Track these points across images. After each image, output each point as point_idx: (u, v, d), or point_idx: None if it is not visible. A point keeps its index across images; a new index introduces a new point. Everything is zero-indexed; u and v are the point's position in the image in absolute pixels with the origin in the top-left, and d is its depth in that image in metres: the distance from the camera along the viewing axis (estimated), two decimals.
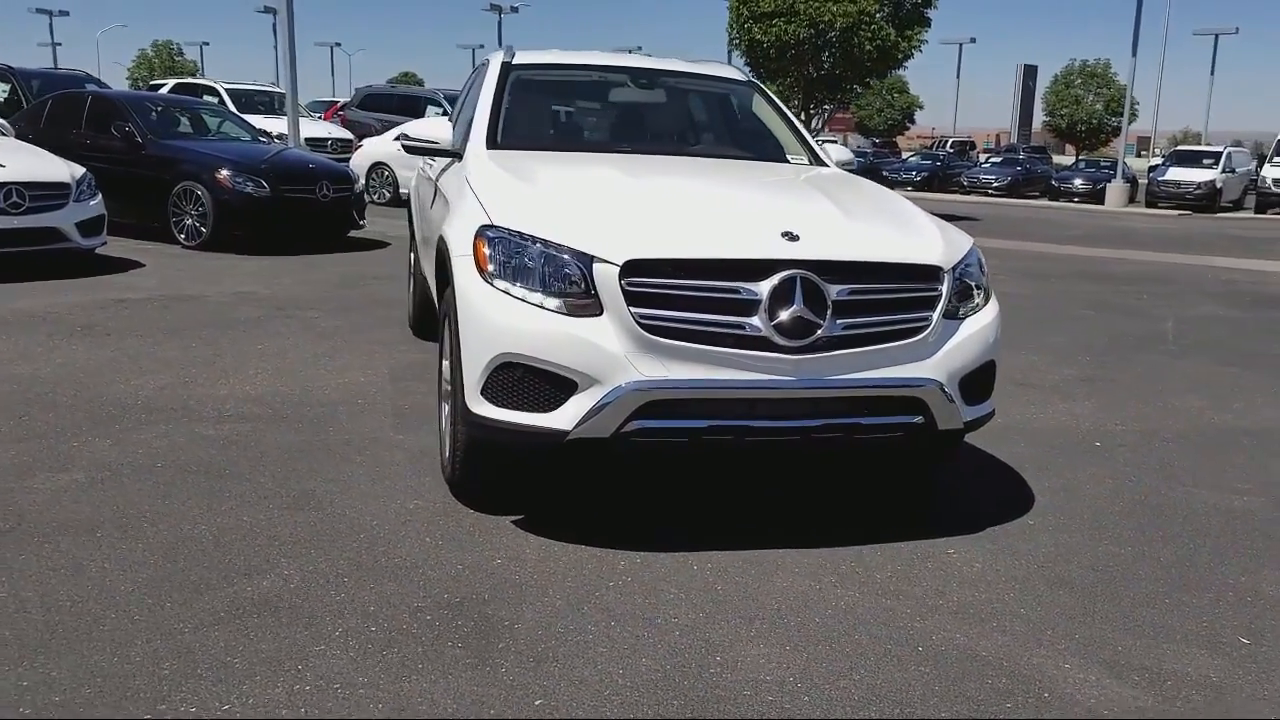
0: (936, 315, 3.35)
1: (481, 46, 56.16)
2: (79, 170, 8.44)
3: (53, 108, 11.31)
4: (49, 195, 8.06)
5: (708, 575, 3.17)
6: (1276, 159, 27.99)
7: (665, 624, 2.84)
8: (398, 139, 16.29)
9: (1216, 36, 41.03)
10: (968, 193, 32.21)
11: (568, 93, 5.01)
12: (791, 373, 3.15)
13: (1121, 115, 49.01)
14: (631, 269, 3.09)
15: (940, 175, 34.25)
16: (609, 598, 2.99)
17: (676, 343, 3.10)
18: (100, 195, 8.57)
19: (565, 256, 3.17)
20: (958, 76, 48.11)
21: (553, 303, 3.16)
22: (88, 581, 2.95)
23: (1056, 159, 43.69)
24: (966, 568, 3.33)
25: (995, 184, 32.32)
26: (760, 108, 5.16)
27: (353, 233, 11.27)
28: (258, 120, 14.60)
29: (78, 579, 2.97)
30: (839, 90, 22.34)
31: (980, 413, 3.57)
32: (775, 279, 3.10)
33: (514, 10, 42.30)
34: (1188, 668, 2.74)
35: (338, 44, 65.15)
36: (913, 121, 64.36)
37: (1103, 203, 29.90)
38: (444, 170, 4.57)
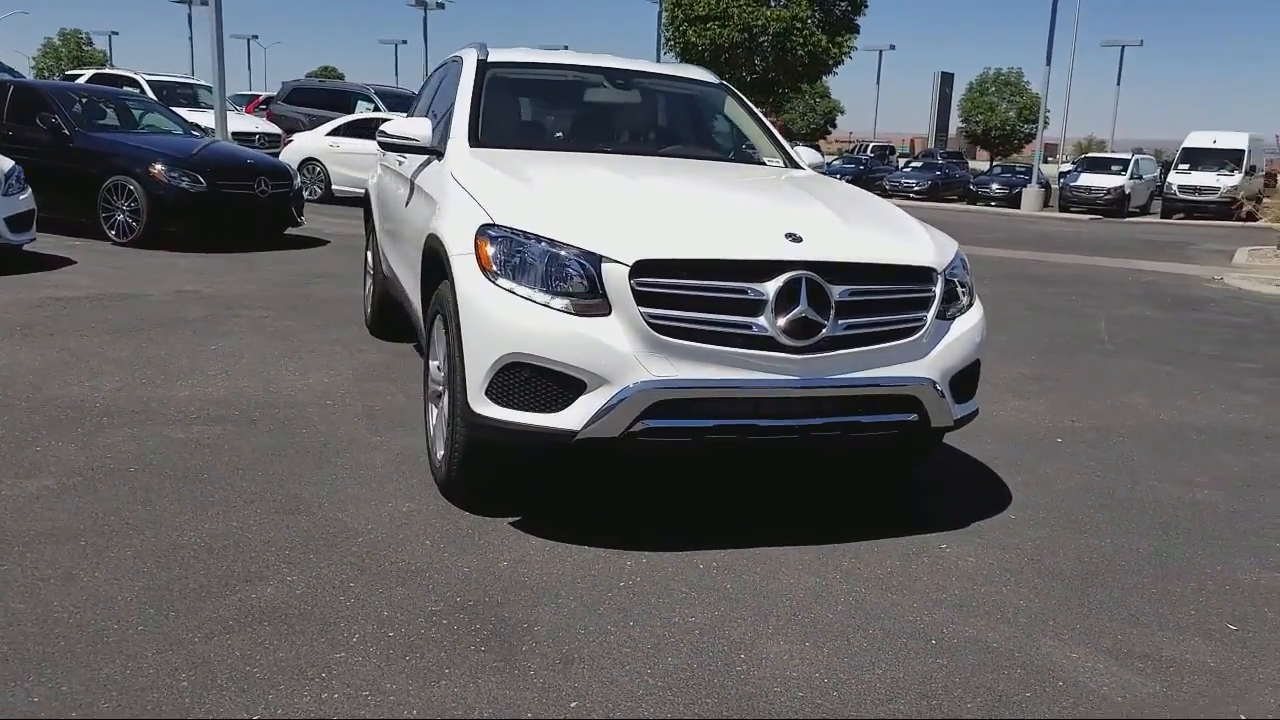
0: (930, 315, 3.43)
1: (405, 42, 55.43)
2: (7, 163, 8.07)
3: None
4: None
5: (715, 574, 3.19)
6: (1182, 166, 29.29)
7: (683, 623, 2.85)
8: (331, 134, 16.16)
9: (1122, 48, 42.68)
10: (888, 196, 32.90)
11: (546, 92, 4.97)
12: (796, 372, 3.19)
13: (1033, 122, 50.74)
14: (641, 269, 3.09)
15: (863, 178, 34.93)
16: (622, 598, 2.99)
17: (684, 342, 3.11)
18: (30, 189, 8.21)
19: (572, 256, 3.16)
20: (878, 83, 49.17)
21: (559, 302, 3.14)
22: (80, 591, 2.83)
23: (971, 164, 44.94)
24: (961, 562, 3.41)
25: (916, 188, 33.06)
26: (733, 110, 5.20)
27: (290, 230, 11.01)
28: (180, 114, 14.14)
29: (69, 588, 2.84)
30: (772, 94, 22.62)
31: (967, 410, 3.67)
32: (781, 280, 3.14)
33: (440, 6, 41.77)
34: (1186, 654, 2.85)
35: (254, 36, 63.42)
36: (834, 126, 65.53)
37: (1019, 207, 30.84)
38: (422, 168, 4.49)
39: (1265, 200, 29.62)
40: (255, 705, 2.34)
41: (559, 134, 4.76)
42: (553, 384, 3.14)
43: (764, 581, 3.15)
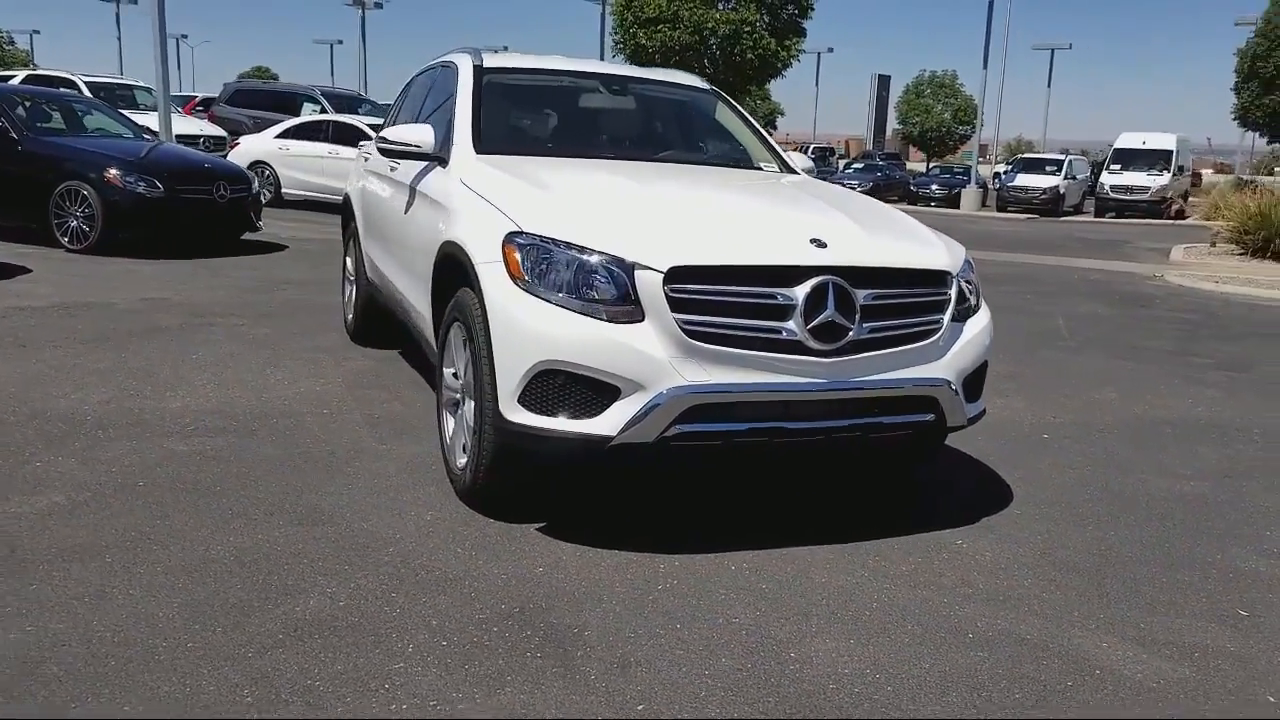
0: (946, 318, 3.53)
1: (340, 42, 54.61)
2: None
3: None
4: None
5: (748, 574, 3.24)
6: (1114, 167, 30.21)
7: (728, 624, 2.90)
8: (280, 136, 15.88)
9: (1053, 51, 43.91)
10: None
11: (543, 98, 4.97)
12: (823, 375, 3.26)
13: (967, 124, 51.84)
14: (675, 275, 3.13)
15: None
16: (664, 600, 3.02)
17: (716, 347, 3.16)
18: None
19: (604, 263, 3.18)
20: (816, 85, 49.89)
21: (592, 309, 3.16)
22: (118, 609, 2.78)
23: (908, 165, 45.80)
24: (979, 557, 3.51)
25: (858, 188, 33.57)
26: (724, 115, 5.27)
27: (247, 235, 10.81)
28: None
29: (106, 607, 2.79)
30: None
31: (977, 410, 3.78)
32: (809, 284, 3.20)
33: (378, 6, 41.26)
34: (1206, 640, 2.98)
35: (184, 36, 61.87)
36: (774, 128, 66.19)
37: (958, 207, 31.53)
38: (423, 174, 4.47)
39: (1192, 199, 30.72)
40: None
41: (560, 140, 4.77)
42: (587, 390, 3.16)
43: (797, 581, 3.21)
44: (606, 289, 3.18)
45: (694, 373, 3.14)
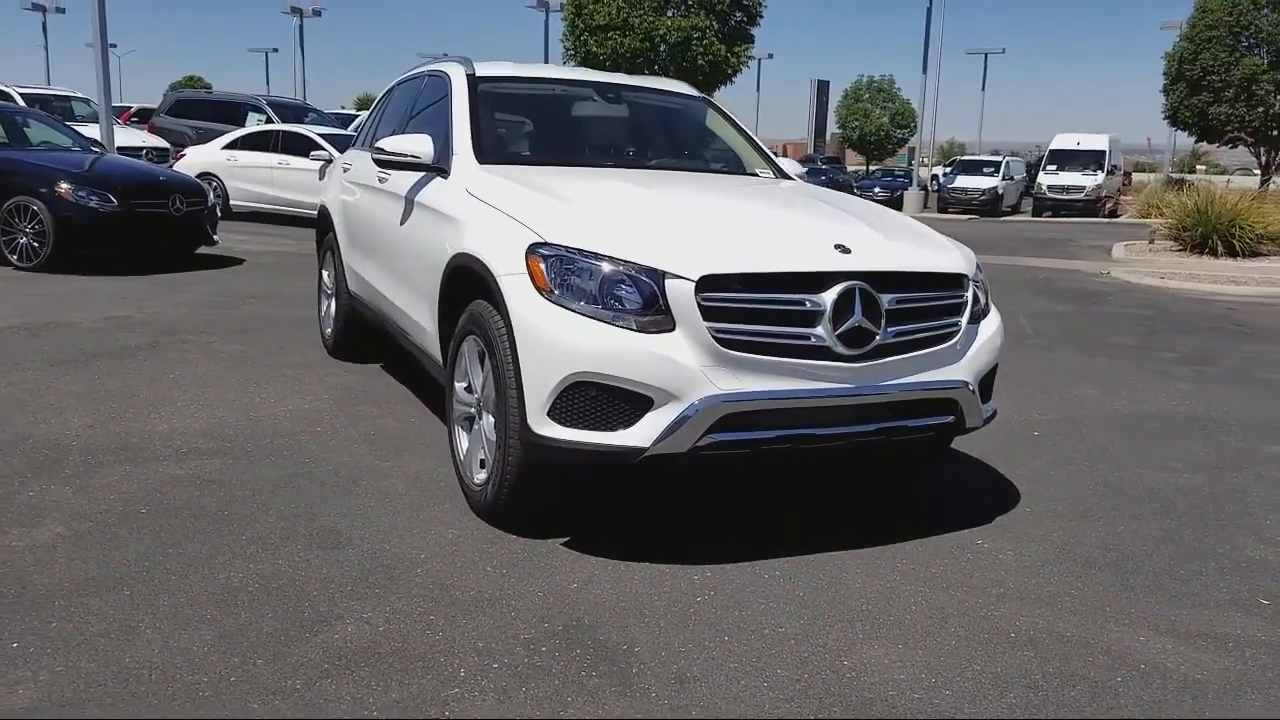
0: (964, 320, 3.56)
1: (276, 50, 53.64)
2: None
3: None
4: None
5: (782, 582, 3.23)
6: (1051, 167, 30.96)
7: (775, 634, 2.88)
8: (227, 147, 15.53)
9: (986, 55, 44.86)
10: None
11: (539, 107, 4.92)
12: (850, 380, 3.26)
13: (905, 128, 52.77)
14: (706, 284, 3.11)
15: None
16: (706, 612, 2.99)
17: (746, 355, 3.14)
18: None
19: (632, 273, 3.15)
20: (758, 90, 50.32)
21: (622, 319, 3.13)
22: (149, 644, 2.67)
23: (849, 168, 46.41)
24: (1002, 556, 3.55)
25: None
26: (716, 121, 5.27)
27: (202, 249, 10.55)
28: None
29: (136, 642, 2.68)
30: None
31: (990, 410, 3.81)
32: (836, 290, 3.21)
33: (317, 14, 40.60)
34: (1236, 630, 3.04)
35: (112, 45, 60.17)
36: None
37: (901, 208, 31.95)
38: (420, 185, 4.38)
39: (1125, 197, 31.61)
40: None
41: (559, 149, 4.72)
42: (620, 402, 3.12)
43: (832, 587, 3.21)
44: (636, 299, 3.14)
45: (726, 381, 3.12)
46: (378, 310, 5.24)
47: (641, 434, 3.12)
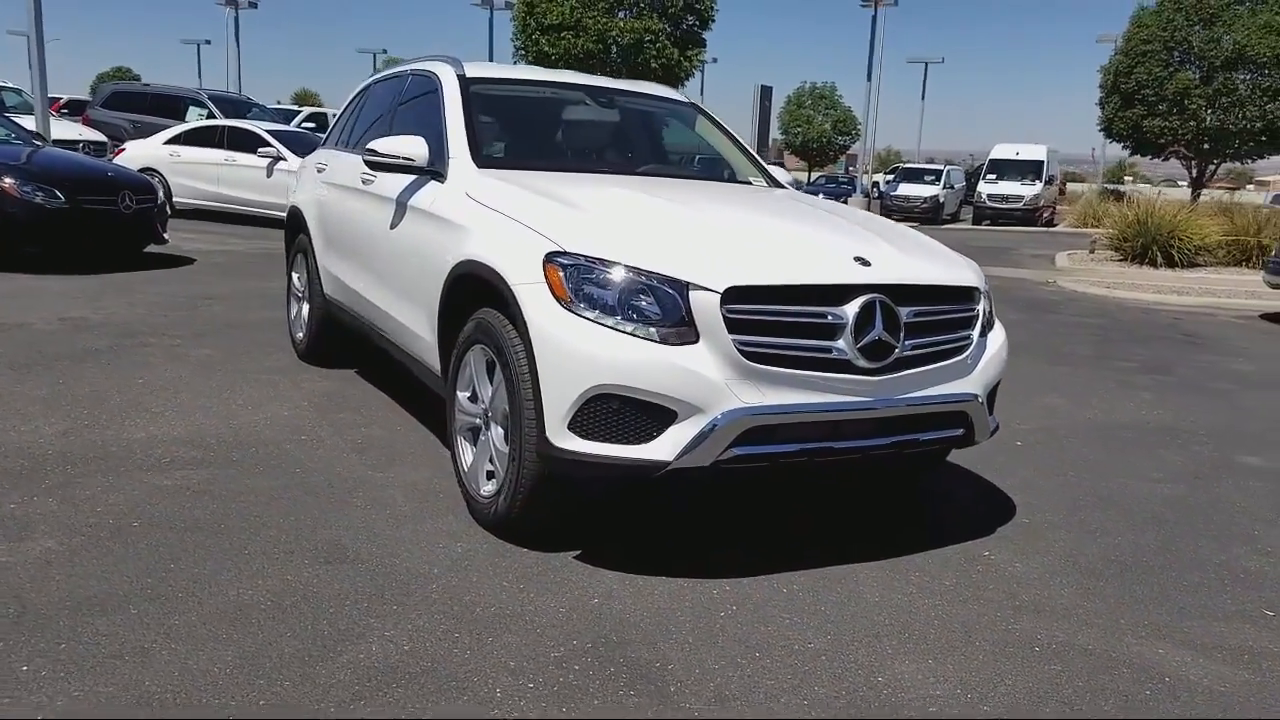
0: (976, 333, 3.59)
1: (208, 42, 52.37)
2: None
3: None
4: None
5: (803, 596, 3.21)
6: (990, 176, 31.63)
7: (805, 650, 2.86)
8: (169, 142, 15.08)
9: (926, 65, 45.65)
10: None
11: (531, 110, 4.84)
12: (870, 393, 3.27)
13: (847, 135, 53.46)
14: (731, 296, 3.08)
15: None
16: (733, 628, 2.96)
17: (770, 368, 3.12)
18: None
19: (656, 283, 3.11)
20: (702, 94, 50.46)
21: (645, 331, 3.08)
22: (167, 667, 2.55)
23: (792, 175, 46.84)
24: (1010, 568, 3.58)
25: None
26: (705, 128, 5.25)
27: (151, 248, 10.22)
28: None
29: (152, 664, 2.56)
30: None
31: (995, 423, 3.85)
32: (858, 303, 3.20)
33: (253, 6, 39.69)
34: (1249, 641, 3.11)
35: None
36: None
37: None
38: (413, 189, 4.28)
39: (1060, 207, 32.44)
40: None
41: (553, 152, 4.65)
42: (643, 415, 3.08)
43: (852, 601, 3.21)
44: (658, 310, 3.10)
45: (749, 394, 3.10)
46: (359, 316, 5.11)
47: (665, 447, 3.08)
